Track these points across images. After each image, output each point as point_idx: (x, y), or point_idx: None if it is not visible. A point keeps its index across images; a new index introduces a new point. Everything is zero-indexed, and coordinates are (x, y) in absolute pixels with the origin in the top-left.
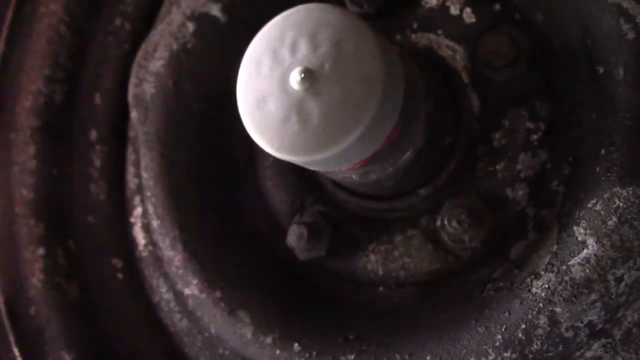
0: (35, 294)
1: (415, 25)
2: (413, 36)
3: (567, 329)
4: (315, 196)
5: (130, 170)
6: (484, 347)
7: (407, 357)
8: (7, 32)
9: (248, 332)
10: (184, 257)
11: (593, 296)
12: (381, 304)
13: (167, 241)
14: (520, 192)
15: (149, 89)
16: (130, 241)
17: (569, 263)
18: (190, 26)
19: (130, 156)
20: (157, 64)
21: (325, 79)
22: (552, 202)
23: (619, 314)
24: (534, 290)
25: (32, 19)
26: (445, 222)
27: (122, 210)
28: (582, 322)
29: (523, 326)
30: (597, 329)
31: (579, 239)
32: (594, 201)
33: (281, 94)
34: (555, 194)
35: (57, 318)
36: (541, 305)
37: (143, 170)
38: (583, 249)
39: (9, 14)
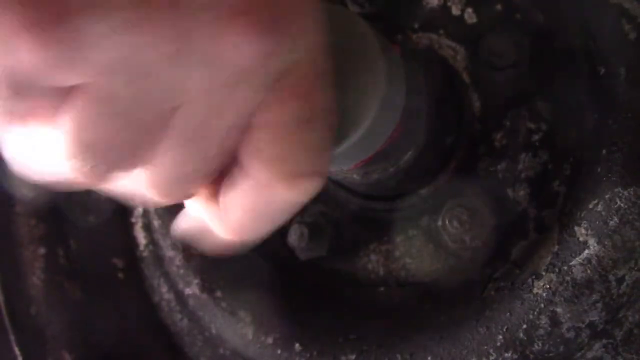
0: (35, 293)
1: (416, 25)
2: (414, 36)
3: (568, 330)
4: (315, 196)
5: None
6: (485, 347)
7: (408, 357)
8: None
9: (249, 332)
10: (185, 257)
11: (594, 296)
12: (382, 304)
13: (168, 241)
14: (521, 193)
15: None
16: (131, 241)
17: (570, 263)
18: None
19: None
20: None
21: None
22: (553, 203)
23: (620, 315)
24: (535, 290)
25: None
26: (446, 222)
27: (122, 210)
28: (583, 323)
29: (524, 326)
30: (598, 329)
31: (580, 239)
32: (595, 202)
33: None
34: (556, 194)
35: (58, 317)
36: (542, 305)
37: None
38: (584, 250)
39: None
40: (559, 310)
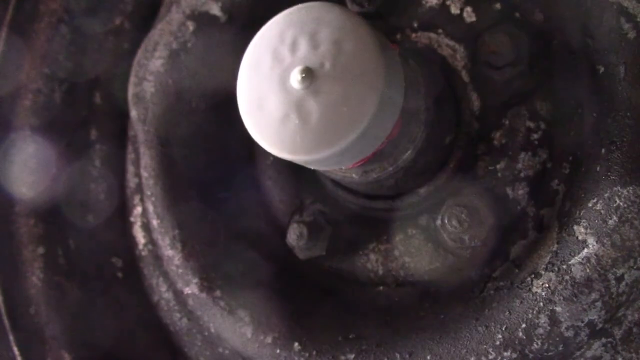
0: (35, 293)
1: (415, 25)
2: (413, 35)
3: (567, 329)
4: (315, 195)
5: (130, 169)
6: (484, 346)
7: (407, 356)
8: (7, 31)
9: (248, 331)
10: (184, 256)
11: (593, 295)
12: (381, 304)
13: (166, 240)
14: (521, 192)
15: (148, 88)
16: (130, 240)
17: (569, 262)
18: (190, 25)
19: (130, 155)
20: (157, 63)
21: (325, 78)
22: (552, 202)
23: (620, 314)
24: (534, 289)
25: (32, 18)
26: (445, 222)
27: (121, 210)
28: (582, 322)
29: (523, 325)
30: (598, 328)
31: (579, 238)
32: (594, 200)
33: (281, 93)
34: (556, 193)
35: (56, 317)
36: (541, 304)
37: (143, 169)
38: (583, 249)
39: (9, 13)
40: (558, 309)
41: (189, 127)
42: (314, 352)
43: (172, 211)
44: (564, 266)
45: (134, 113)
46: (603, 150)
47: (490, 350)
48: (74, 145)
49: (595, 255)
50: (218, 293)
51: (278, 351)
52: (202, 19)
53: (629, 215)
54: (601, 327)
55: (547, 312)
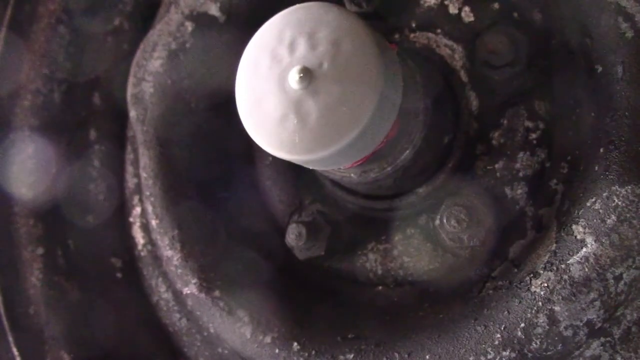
0: (34, 293)
1: (413, 25)
2: (412, 35)
3: (566, 328)
4: (314, 195)
5: (129, 169)
6: (483, 346)
7: (406, 356)
8: (6, 32)
9: (247, 332)
10: (183, 256)
11: (592, 295)
12: (380, 303)
13: (165, 240)
14: (519, 191)
15: (147, 88)
16: (129, 241)
17: (568, 262)
18: (189, 26)
19: (129, 156)
20: (155, 63)
21: (324, 78)
22: (551, 201)
23: (618, 313)
24: (533, 289)
25: (31, 19)
26: (444, 221)
27: (121, 210)
28: (581, 321)
29: (522, 325)
30: (596, 327)
31: (578, 237)
32: (592, 200)
33: (279, 93)
34: (554, 192)
35: (56, 317)
36: (540, 304)
37: (142, 170)
38: (582, 248)
39: (8, 13)
40: (557, 308)
41: (188, 127)
42: (313, 352)
43: (171, 211)
44: (563, 266)
45: (132, 113)
46: (601, 150)
47: (489, 349)
48: (73, 146)
49: (594, 254)
50: (217, 293)
51: (277, 351)
52: (200, 19)
53: (628, 215)
54: (600, 327)
55: (545, 312)
